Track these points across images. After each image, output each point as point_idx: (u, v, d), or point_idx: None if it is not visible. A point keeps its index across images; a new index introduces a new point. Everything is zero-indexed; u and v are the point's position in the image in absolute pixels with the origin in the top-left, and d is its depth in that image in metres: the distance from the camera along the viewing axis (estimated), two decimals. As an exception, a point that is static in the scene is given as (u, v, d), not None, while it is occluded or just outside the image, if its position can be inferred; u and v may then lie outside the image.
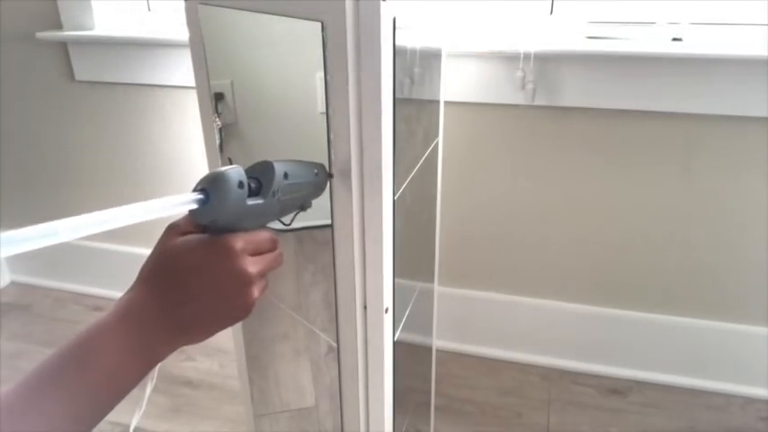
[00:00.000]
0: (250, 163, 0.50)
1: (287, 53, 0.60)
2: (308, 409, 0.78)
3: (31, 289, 1.86)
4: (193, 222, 0.47)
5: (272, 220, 0.52)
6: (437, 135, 1.02)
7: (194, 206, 0.43)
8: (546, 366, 1.49)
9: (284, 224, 0.55)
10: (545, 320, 1.48)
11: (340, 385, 0.66)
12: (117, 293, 1.76)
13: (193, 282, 0.45)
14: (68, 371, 0.42)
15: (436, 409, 1.27)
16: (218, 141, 0.69)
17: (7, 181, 1.78)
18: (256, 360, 0.81)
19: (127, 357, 0.44)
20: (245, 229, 0.47)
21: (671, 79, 1.19)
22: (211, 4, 0.61)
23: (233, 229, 0.46)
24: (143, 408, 0.53)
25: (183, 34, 0.81)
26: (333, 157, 0.55)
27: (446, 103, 1.07)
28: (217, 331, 0.48)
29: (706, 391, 1.40)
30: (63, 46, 1.53)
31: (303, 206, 0.55)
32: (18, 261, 1.88)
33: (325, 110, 0.54)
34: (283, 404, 0.82)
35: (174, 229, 0.47)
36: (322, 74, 0.52)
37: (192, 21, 0.64)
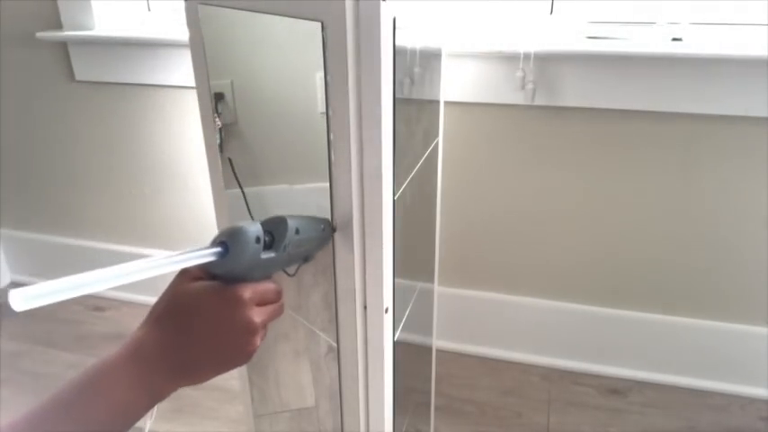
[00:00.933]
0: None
1: (287, 53, 0.60)
2: (308, 409, 0.78)
3: (31, 289, 1.86)
4: (206, 269, 0.49)
5: (279, 270, 0.54)
6: (437, 135, 1.02)
7: (213, 259, 0.45)
8: (546, 366, 1.49)
9: (288, 274, 0.58)
10: (545, 320, 1.48)
11: (340, 385, 0.66)
12: (116, 293, 1.76)
13: (202, 327, 0.48)
14: (79, 403, 0.44)
15: (436, 409, 1.27)
16: (218, 141, 0.69)
17: (7, 181, 1.78)
18: (256, 360, 0.81)
19: (133, 394, 0.46)
20: (254, 279, 0.49)
21: (671, 79, 1.19)
22: (211, 4, 0.61)
23: (243, 279, 0.48)
24: (153, 414, 0.54)
25: (183, 34, 0.82)
26: (333, 157, 0.55)
27: (446, 103, 1.07)
28: (217, 375, 0.50)
29: (706, 391, 1.40)
30: (63, 46, 1.53)
31: (307, 258, 0.58)
32: (18, 261, 1.88)
33: (325, 110, 0.54)
34: (283, 404, 0.82)
35: (186, 274, 0.50)
36: (322, 74, 0.52)
37: (192, 21, 0.64)
